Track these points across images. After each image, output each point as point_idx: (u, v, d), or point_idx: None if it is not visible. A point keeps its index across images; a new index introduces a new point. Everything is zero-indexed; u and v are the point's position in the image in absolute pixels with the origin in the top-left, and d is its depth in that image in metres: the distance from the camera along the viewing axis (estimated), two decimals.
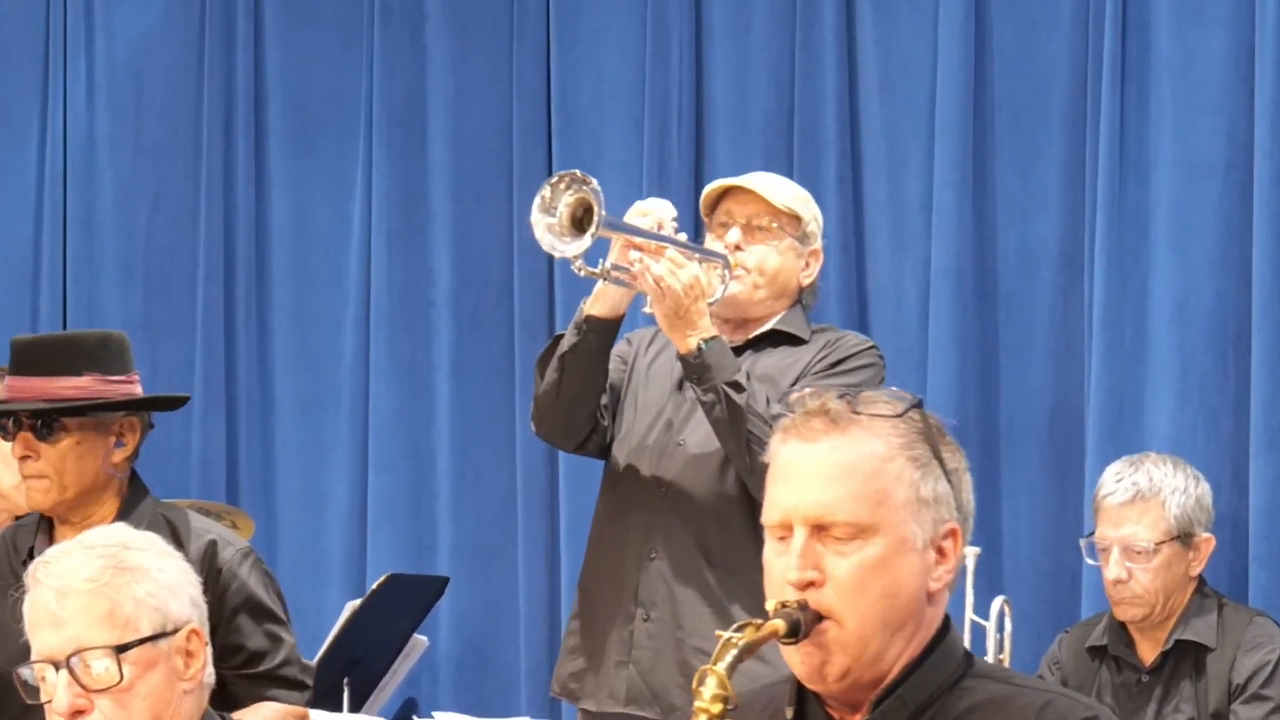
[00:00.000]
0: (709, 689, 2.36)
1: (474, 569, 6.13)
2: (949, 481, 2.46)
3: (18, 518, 4.39)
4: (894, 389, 2.51)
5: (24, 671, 3.10)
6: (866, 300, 5.64)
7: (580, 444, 4.42)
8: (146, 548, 3.12)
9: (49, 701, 3.04)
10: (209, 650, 3.15)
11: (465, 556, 6.14)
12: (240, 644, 3.88)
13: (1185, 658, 4.74)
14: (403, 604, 5.91)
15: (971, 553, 4.95)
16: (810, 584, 2.41)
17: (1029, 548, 5.46)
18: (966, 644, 4.81)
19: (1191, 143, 5.25)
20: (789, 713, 2.50)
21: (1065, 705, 2.44)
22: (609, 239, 4.18)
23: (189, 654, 3.10)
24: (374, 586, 5.79)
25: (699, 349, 4.16)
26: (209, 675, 3.15)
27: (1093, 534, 4.82)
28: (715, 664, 2.37)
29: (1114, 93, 5.29)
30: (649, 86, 5.87)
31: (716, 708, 2.35)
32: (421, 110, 6.23)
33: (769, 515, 2.47)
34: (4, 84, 6.60)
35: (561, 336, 4.32)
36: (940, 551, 2.46)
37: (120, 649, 3.02)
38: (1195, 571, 4.76)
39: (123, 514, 3.92)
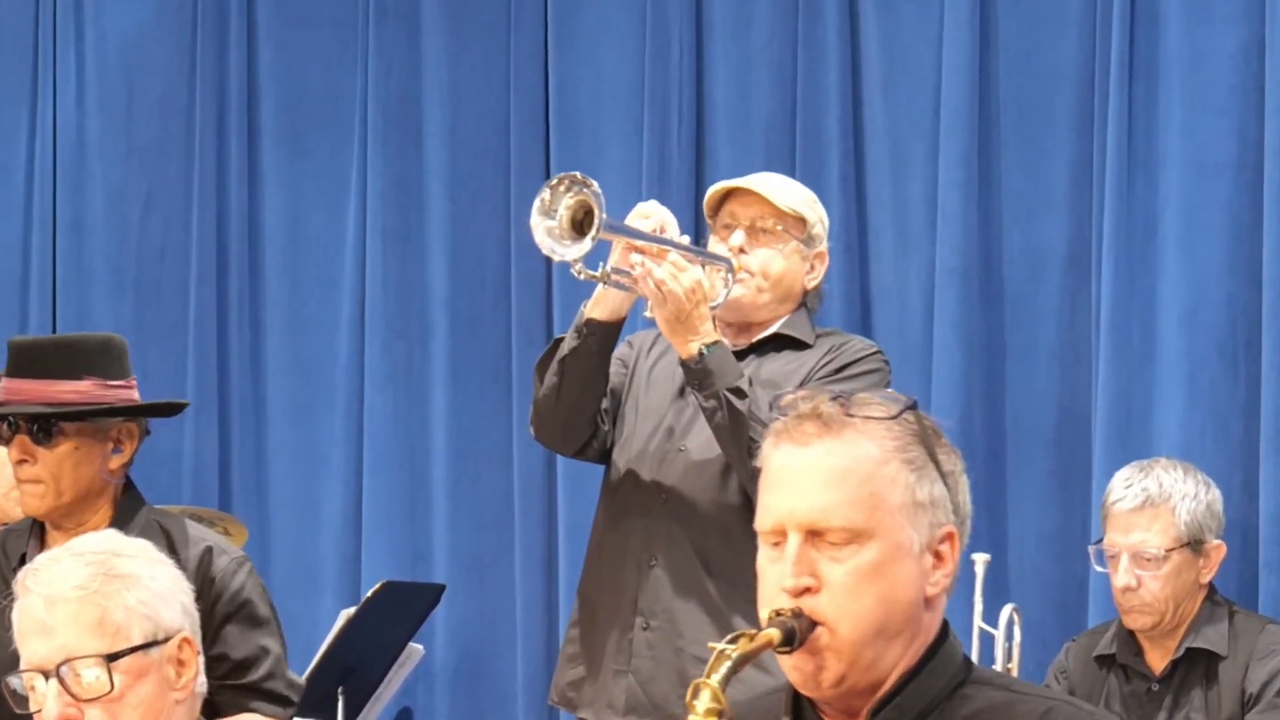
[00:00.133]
0: (703, 702, 2.34)
1: (470, 576, 6.11)
2: (945, 484, 2.43)
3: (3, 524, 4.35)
4: (889, 390, 2.47)
5: (13, 681, 3.07)
6: (870, 302, 5.62)
7: (580, 449, 4.38)
8: (137, 555, 3.10)
9: (38, 711, 3.02)
10: (201, 659, 3.12)
11: (461, 563, 6.12)
12: (226, 653, 3.86)
13: (1196, 666, 4.71)
14: (398, 612, 5.89)
15: (981, 560, 4.92)
16: (805, 590, 2.38)
17: (1035, 554, 5.44)
18: (975, 653, 4.82)
19: (1201, 142, 5.24)
20: None
21: (1067, 712, 2.42)
22: (609, 242, 4.13)
23: (180, 663, 3.07)
24: (369, 594, 5.78)
25: (701, 354, 4.12)
26: (201, 685, 3.12)
27: (1101, 541, 4.79)
28: (709, 676, 2.35)
29: (1122, 91, 5.27)
30: (649, 85, 5.86)
31: None
32: (417, 109, 6.21)
33: (762, 521, 2.45)
34: None
35: (561, 340, 4.29)
36: (937, 555, 2.43)
37: (111, 658, 2.99)
38: (1206, 579, 4.74)
39: (117, 521, 3.89)
